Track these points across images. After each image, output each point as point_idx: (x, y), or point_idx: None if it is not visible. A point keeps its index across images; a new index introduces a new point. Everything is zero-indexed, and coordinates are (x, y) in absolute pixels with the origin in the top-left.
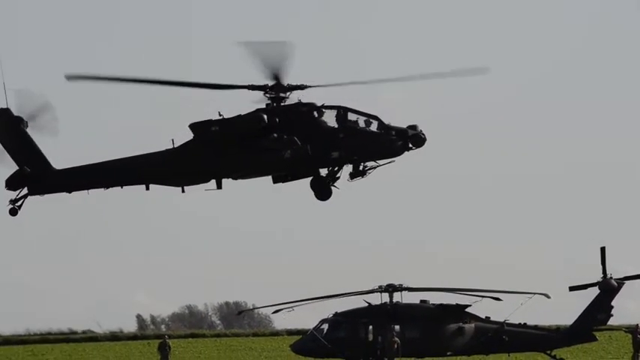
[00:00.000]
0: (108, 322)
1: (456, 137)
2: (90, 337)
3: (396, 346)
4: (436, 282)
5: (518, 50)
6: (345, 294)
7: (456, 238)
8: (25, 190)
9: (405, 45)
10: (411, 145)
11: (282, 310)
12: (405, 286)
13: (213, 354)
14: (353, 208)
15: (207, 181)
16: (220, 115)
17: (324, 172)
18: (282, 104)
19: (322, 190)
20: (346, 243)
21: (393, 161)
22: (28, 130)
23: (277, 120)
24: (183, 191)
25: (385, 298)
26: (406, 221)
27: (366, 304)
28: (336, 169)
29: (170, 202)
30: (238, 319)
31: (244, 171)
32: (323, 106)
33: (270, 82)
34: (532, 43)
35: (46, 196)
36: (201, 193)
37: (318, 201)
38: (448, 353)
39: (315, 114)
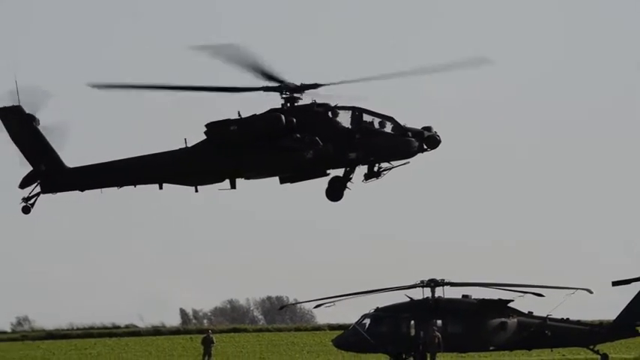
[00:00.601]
0: (150, 316)
1: (489, 130)
2: (132, 332)
3: (437, 340)
4: (478, 277)
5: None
6: (387, 289)
7: (497, 233)
8: (37, 189)
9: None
10: (425, 147)
11: (323, 304)
12: (447, 281)
13: (256, 349)
14: (395, 203)
15: (222, 180)
16: (240, 115)
17: (336, 172)
18: (296, 104)
19: (339, 192)
20: (388, 238)
21: (408, 162)
22: (40, 128)
23: (294, 120)
24: (196, 190)
25: (427, 293)
26: (448, 216)
27: (408, 299)
28: (349, 170)
29: (212, 197)
30: (280, 313)
31: (262, 170)
32: (337, 107)
33: (268, 82)
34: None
35: (85, 192)
36: (244, 188)
37: (330, 202)
38: (490, 348)
39: (330, 114)
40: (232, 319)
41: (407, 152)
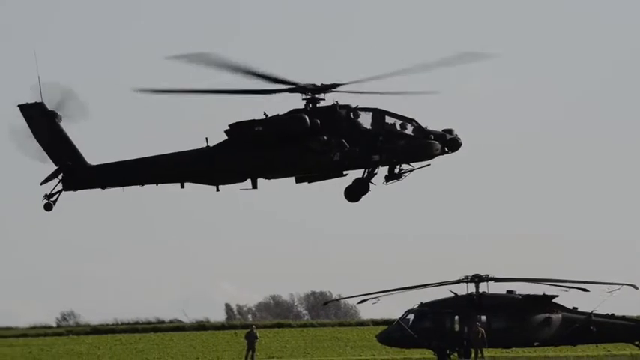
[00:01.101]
0: (194, 311)
1: (528, 121)
2: (177, 327)
3: (481, 336)
4: (523, 273)
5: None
6: (431, 284)
7: (543, 229)
8: (59, 186)
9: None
10: (446, 150)
11: (368, 300)
12: (491, 276)
13: (300, 344)
14: (440, 200)
15: (244, 180)
16: (265, 115)
17: (353, 174)
18: (318, 105)
19: (359, 194)
20: (432, 233)
21: (429, 165)
22: (63, 125)
23: (318, 122)
24: (217, 190)
25: (471, 288)
26: (492, 212)
27: (452, 294)
28: (372, 171)
29: (255, 193)
30: (324, 309)
31: (286, 171)
32: (359, 108)
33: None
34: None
35: (130, 188)
36: (288, 186)
37: (350, 203)
38: (535, 344)
39: (353, 116)
40: (276, 314)
41: (429, 155)
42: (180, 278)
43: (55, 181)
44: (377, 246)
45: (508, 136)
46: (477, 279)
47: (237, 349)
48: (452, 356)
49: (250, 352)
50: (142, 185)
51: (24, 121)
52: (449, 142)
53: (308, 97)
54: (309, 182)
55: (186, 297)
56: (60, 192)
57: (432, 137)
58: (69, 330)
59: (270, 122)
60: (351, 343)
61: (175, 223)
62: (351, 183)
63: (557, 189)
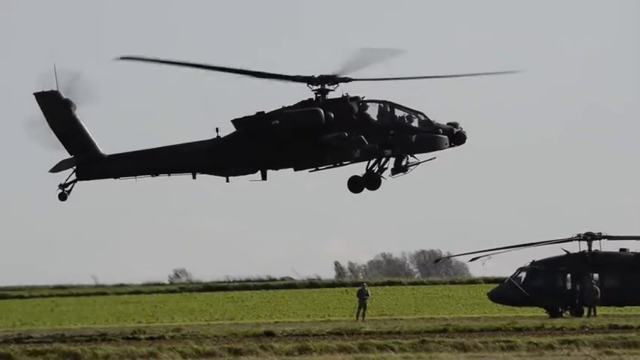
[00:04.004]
0: (305, 269)
1: None
2: (288, 285)
3: (594, 294)
4: (636, 230)
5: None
6: (543, 242)
7: None
8: (73, 176)
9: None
10: (453, 143)
11: (479, 258)
12: (604, 234)
13: (410, 302)
14: (553, 158)
15: (255, 172)
16: (283, 108)
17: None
18: (327, 97)
19: (369, 187)
20: (545, 191)
21: (434, 158)
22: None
23: (332, 115)
24: (227, 181)
25: (583, 246)
26: (605, 170)
27: (564, 252)
28: (382, 164)
29: None
30: (435, 267)
31: (301, 164)
32: (369, 100)
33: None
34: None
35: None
36: None
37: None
38: None
39: (363, 108)
40: (387, 272)
41: (438, 148)
42: (291, 236)
43: (69, 170)
44: (487, 202)
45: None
46: (589, 237)
47: (348, 306)
48: (564, 314)
49: (361, 310)
50: (155, 175)
51: (39, 109)
52: (456, 136)
53: (317, 88)
54: (310, 171)
55: (297, 255)
56: (74, 181)
57: (441, 131)
58: (181, 287)
59: (285, 116)
60: (462, 300)
61: (287, 181)
62: (359, 175)
63: None
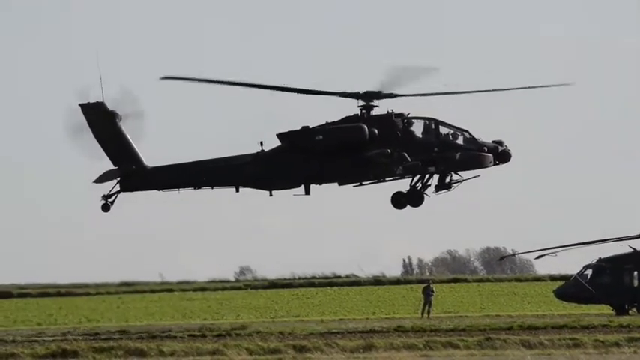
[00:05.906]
0: (370, 266)
1: None
2: (353, 282)
3: None
4: None
5: None
6: (610, 239)
7: None
8: (117, 187)
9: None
10: (497, 162)
11: (545, 255)
12: None
13: (476, 299)
14: (619, 156)
15: (298, 186)
16: (327, 123)
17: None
18: (372, 113)
19: (412, 204)
20: (612, 188)
21: (479, 176)
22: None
23: (376, 131)
24: (270, 195)
25: None
26: None
27: (631, 250)
28: (426, 182)
29: None
30: (500, 264)
31: (344, 179)
32: (414, 117)
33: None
34: None
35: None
36: None
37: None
38: None
39: (407, 125)
40: (453, 269)
41: (482, 166)
42: (356, 233)
43: (113, 181)
44: (554, 201)
45: None
46: None
47: (413, 303)
48: (630, 312)
49: (427, 307)
50: (198, 188)
51: (84, 120)
52: (500, 154)
53: (363, 104)
54: (354, 186)
55: (363, 252)
56: (118, 193)
57: (485, 149)
58: (247, 284)
59: (329, 131)
60: (527, 298)
61: None
62: (403, 191)
63: None
